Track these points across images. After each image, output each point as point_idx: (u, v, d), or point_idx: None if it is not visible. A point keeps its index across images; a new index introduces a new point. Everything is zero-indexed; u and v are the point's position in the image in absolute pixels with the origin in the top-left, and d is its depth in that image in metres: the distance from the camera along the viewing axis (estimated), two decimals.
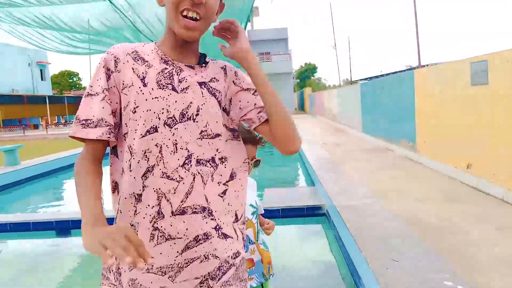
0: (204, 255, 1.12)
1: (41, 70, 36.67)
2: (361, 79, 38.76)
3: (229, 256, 1.18)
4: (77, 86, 63.90)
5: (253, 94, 1.23)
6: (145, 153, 1.09)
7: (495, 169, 4.66)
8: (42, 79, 36.81)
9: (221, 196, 1.18)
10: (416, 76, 7.32)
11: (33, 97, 32.88)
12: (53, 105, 34.78)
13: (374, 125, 10.53)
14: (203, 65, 1.20)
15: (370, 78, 35.20)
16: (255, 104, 1.22)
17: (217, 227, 1.15)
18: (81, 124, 1.09)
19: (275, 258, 1.91)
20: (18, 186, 8.04)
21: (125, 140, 1.13)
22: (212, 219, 1.14)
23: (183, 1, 1.08)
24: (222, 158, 1.20)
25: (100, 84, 1.11)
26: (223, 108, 1.21)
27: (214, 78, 1.20)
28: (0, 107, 28.19)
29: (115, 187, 1.18)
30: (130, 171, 1.10)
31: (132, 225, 1.10)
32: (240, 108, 1.22)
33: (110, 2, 5.22)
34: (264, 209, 5.06)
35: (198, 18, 1.10)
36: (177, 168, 1.10)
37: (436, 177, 5.86)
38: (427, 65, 23.86)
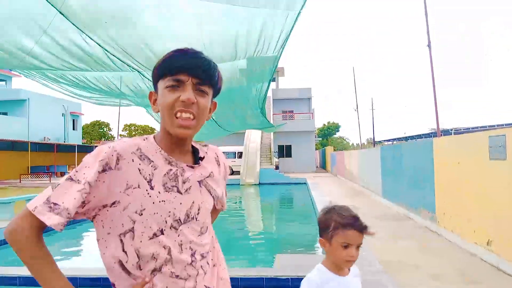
0: None
1: (73, 120, 38.30)
2: (384, 140, 38.78)
3: None
4: (106, 136, 66.08)
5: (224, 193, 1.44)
6: (153, 255, 1.13)
7: None
8: (73, 129, 38.34)
9: (216, 277, 1.30)
10: (435, 145, 7.27)
11: (63, 146, 34.13)
12: (81, 154, 35.90)
13: (394, 191, 10.34)
14: (199, 162, 1.28)
15: (394, 139, 35.11)
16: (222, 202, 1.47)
17: None
18: (49, 207, 1.08)
19: None
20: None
21: (123, 238, 1.13)
22: None
23: (176, 103, 1.15)
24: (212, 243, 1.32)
25: (87, 176, 1.10)
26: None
27: (212, 173, 1.30)
28: (30, 154, 29.30)
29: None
30: (140, 270, 1.13)
31: None
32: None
33: (139, 73, 5.53)
34: (274, 277, 4.90)
35: (191, 117, 1.16)
36: (185, 266, 1.17)
37: (455, 252, 5.63)
38: (452, 130, 23.66)
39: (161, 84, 1.18)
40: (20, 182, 24.76)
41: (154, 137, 1.24)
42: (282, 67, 38.60)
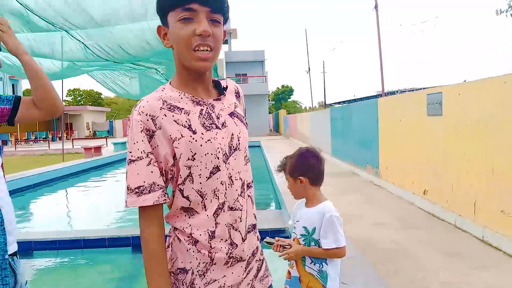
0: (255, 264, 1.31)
1: (13, 85, 35.92)
2: (335, 103, 39.78)
3: (262, 254, 1.36)
4: None
5: None
6: (214, 192, 1.16)
7: (447, 195, 4.92)
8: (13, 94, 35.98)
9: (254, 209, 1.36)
10: (380, 105, 7.65)
11: None
12: None
13: (342, 149, 10.83)
14: (224, 92, 1.28)
15: (344, 101, 36.09)
16: None
17: (258, 238, 1.34)
18: (135, 193, 1.12)
19: None
20: None
21: (181, 186, 1.16)
22: (255, 233, 1.31)
23: (193, 38, 1.11)
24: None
25: (141, 148, 1.12)
26: None
27: (236, 103, 1.32)
28: None
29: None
30: (206, 210, 1.16)
31: (211, 258, 1.17)
32: None
33: (67, 32, 5.32)
34: None
35: (209, 49, 1.14)
36: (237, 198, 1.21)
37: (395, 202, 6.10)
38: (397, 91, 24.67)
39: (172, 17, 1.13)
40: None
41: (170, 83, 1.24)
42: (235, 29, 37.93)
